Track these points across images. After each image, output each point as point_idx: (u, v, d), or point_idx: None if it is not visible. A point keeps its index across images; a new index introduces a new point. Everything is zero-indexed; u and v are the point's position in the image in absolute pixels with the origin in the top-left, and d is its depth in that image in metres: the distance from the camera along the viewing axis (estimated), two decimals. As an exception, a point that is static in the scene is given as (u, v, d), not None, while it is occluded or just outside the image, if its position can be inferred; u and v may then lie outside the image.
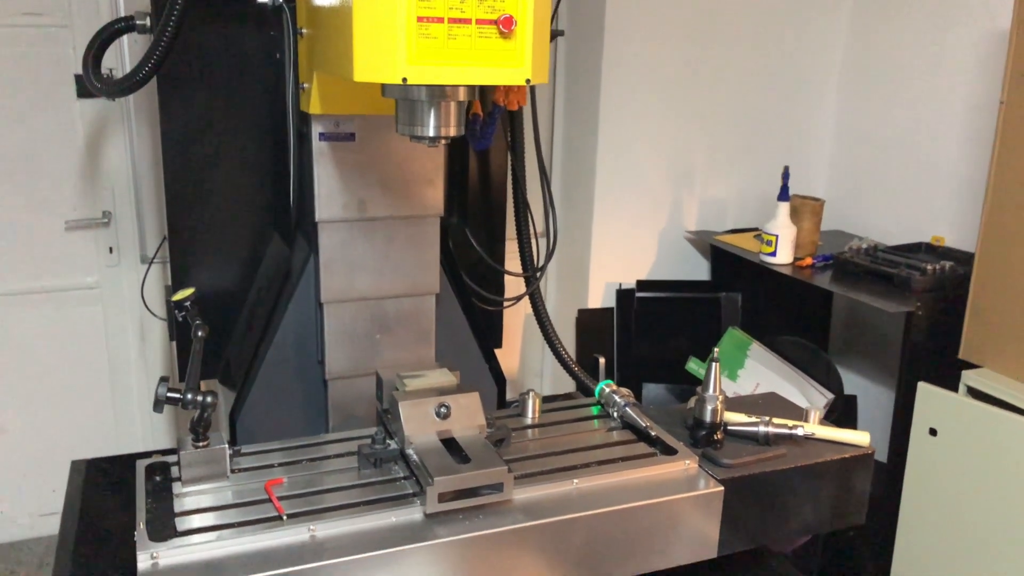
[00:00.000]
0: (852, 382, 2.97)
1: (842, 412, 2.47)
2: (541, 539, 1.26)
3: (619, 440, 1.49)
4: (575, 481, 1.33)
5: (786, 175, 2.51)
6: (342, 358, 1.65)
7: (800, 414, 1.55)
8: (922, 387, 2.05)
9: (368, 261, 1.63)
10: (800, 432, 1.46)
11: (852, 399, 2.66)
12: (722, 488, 1.34)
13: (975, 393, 2.02)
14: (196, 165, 1.76)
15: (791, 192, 2.54)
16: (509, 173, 1.93)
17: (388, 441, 1.38)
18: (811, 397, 2.37)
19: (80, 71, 1.84)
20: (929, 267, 2.29)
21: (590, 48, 2.77)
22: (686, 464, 1.39)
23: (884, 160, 2.86)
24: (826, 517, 1.49)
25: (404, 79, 1.15)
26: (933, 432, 2.03)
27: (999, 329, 2.02)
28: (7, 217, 2.63)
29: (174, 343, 1.91)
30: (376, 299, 1.65)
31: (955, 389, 2.05)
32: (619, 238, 2.88)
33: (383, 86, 1.26)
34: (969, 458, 1.95)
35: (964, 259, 2.29)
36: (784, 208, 2.50)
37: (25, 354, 2.75)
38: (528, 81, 1.23)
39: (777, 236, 2.48)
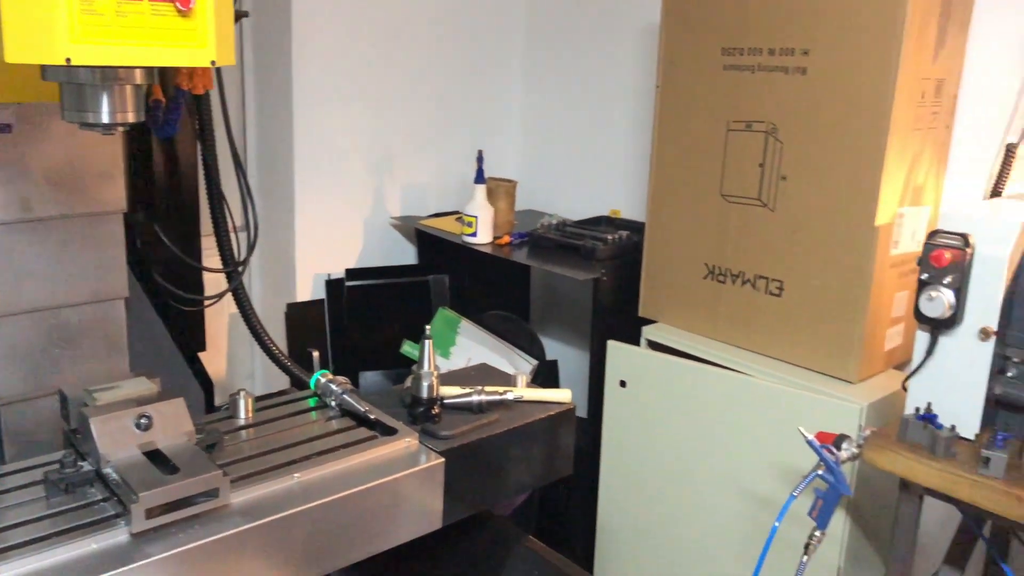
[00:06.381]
0: (553, 348, 3.20)
1: (546, 376, 2.65)
2: (266, 539, 1.22)
3: (339, 428, 1.48)
4: (296, 475, 1.30)
5: (480, 159, 2.64)
6: (14, 379, 1.46)
7: (509, 380, 1.65)
8: (611, 344, 2.27)
9: (38, 267, 1.45)
10: (510, 396, 1.55)
11: (553, 363, 2.86)
12: (443, 460, 1.39)
13: (654, 345, 2.28)
14: None
15: (486, 175, 2.67)
16: (200, 163, 1.82)
17: (80, 463, 1.24)
18: (518, 365, 2.52)
19: None
20: (609, 237, 2.52)
21: (279, 31, 2.68)
22: (407, 442, 1.42)
23: (565, 143, 3.11)
24: (539, 472, 1.60)
25: (68, 59, 1.04)
26: (623, 384, 2.25)
27: (668, 288, 2.29)
28: None
29: None
30: (52, 309, 1.48)
31: (638, 343, 2.30)
32: (324, 227, 2.84)
33: (43, 68, 1.13)
34: (654, 401, 2.20)
35: (637, 228, 2.55)
36: (481, 190, 2.62)
37: None
38: (213, 63, 1.17)
39: (477, 217, 2.59)
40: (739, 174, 2.09)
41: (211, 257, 1.87)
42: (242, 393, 1.51)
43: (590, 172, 3.04)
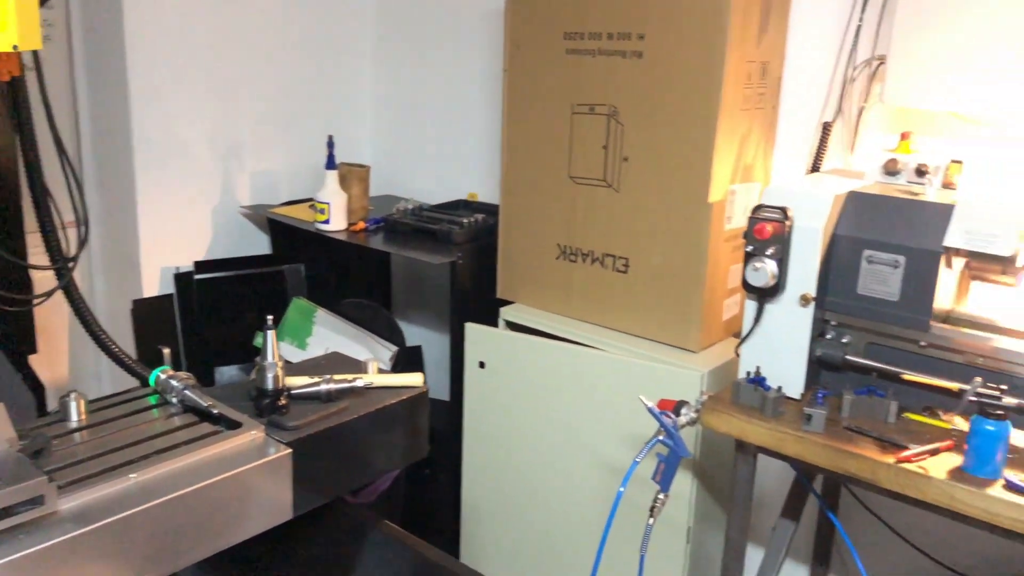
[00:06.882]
0: (417, 333, 3.20)
1: (408, 363, 2.65)
2: (101, 543, 1.17)
3: (181, 425, 1.44)
4: (132, 476, 1.25)
5: (331, 144, 2.59)
6: None
7: (360, 367, 1.64)
8: (469, 327, 2.29)
9: None
10: (360, 383, 1.55)
11: (417, 349, 2.87)
12: (289, 451, 1.37)
13: (512, 325, 2.32)
14: None
15: (338, 160, 2.63)
16: (20, 154, 1.71)
17: None
18: (377, 353, 2.51)
19: None
20: (465, 220, 2.54)
21: (109, 12, 2.54)
22: (252, 435, 1.39)
23: (420, 126, 3.10)
24: (394, 457, 1.61)
25: None
26: (482, 365, 2.28)
27: (523, 269, 2.34)
28: None
29: None
30: None
31: (496, 324, 2.33)
32: (169, 219, 2.72)
33: None
34: (512, 380, 2.24)
35: (494, 211, 2.57)
36: (332, 176, 2.58)
37: None
38: (16, 47, 1.10)
39: (329, 204, 2.55)
40: (585, 156, 2.15)
41: (42, 254, 1.76)
42: (73, 395, 1.44)
43: (447, 156, 3.05)
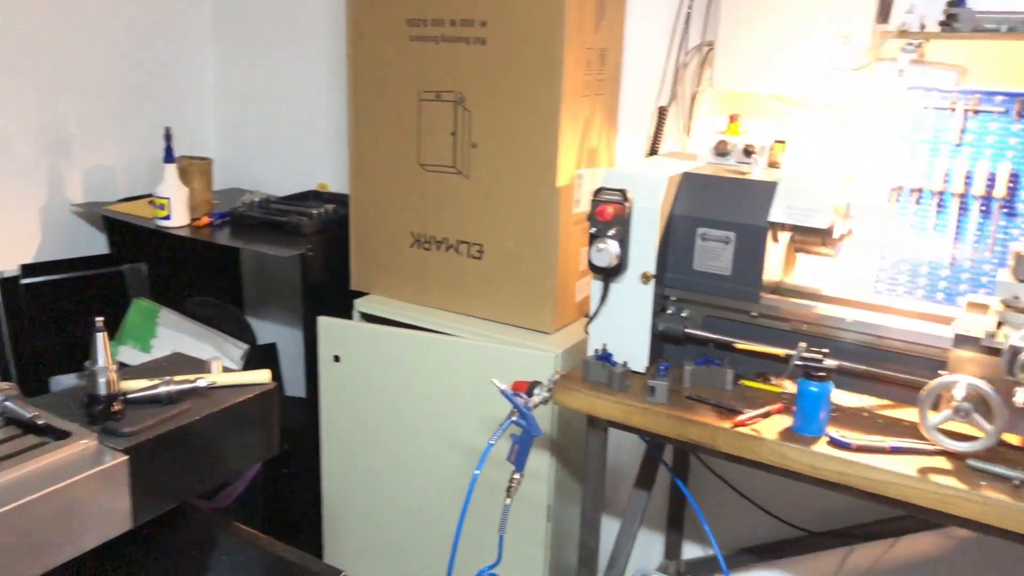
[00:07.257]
0: (271, 330, 3.11)
1: (262, 360, 2.58)
2: (-91, 574, 1.08)
3: (1, 439, 1.33)
4: (-56, 497, 1.16)
5: (168, 136, 2.47)
6: None
7: (203, 367, 1.58)
8: (321, 320, 2.24)
9: None
10: (202, 383, 1.49)
11: (272, 346, 2.78)
12: (125, 458, 1.30)
13: (368, 317, 2.29)
14: None
15: (178, 153, 2.51)
16: None
17: None
18: (227, 351, 2.42)
19: None
20: (315, 211, 2.49)
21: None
22: (83, 444, 1.31)
23: (266, 117, 3.00)
24: (243, 457, 1.56)
25: None
26: (337, 359, 2.24)
27: (377, 259, 2.31)
28: None
29: None
30: None
31: (351, 317, 2.30)
32: (-10, 220, 2.52)
33: None
34: (368, 372, 2.22)
35: (344, 201, 2.52)
36: (171, 170, 2.46)
37: None
38: None
39: (169, 199, 2.43)
40: (434, 143, 2.15)
41: None
42: None
43: (295, 146, 2.97)
